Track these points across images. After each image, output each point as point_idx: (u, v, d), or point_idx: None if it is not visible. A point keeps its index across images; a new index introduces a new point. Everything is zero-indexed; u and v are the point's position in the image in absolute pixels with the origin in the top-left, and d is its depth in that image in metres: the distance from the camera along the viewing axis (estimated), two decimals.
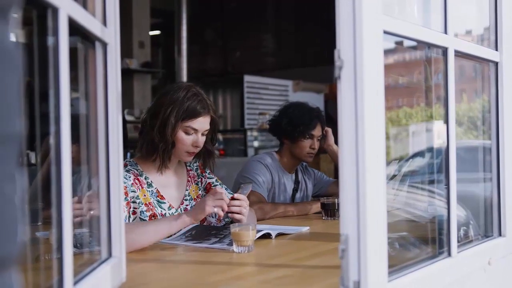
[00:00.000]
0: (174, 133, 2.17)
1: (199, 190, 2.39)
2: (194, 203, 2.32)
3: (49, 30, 1.02)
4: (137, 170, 2.22)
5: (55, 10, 1.01)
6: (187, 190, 2.35)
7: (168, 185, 2.29)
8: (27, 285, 1.08)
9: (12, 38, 0.60)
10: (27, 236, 0.63)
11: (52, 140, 1.02)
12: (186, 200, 2.32)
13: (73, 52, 1.10)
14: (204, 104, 2.22)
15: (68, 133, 1.03)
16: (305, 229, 2.35)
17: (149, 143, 2.20)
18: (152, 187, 2.22)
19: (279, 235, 2.17)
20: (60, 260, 1.02)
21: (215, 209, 2.01)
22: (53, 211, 1.02)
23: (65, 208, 1.03)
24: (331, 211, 2.65)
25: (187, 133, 2.19)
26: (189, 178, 2.38)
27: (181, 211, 2.27)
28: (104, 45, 1.36)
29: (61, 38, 1.02)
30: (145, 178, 2.23)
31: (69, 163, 1.04)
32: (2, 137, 0.56)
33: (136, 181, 2.18)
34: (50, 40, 1.03)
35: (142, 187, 2.19)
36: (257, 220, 2.66)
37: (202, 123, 2.21)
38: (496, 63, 1.82)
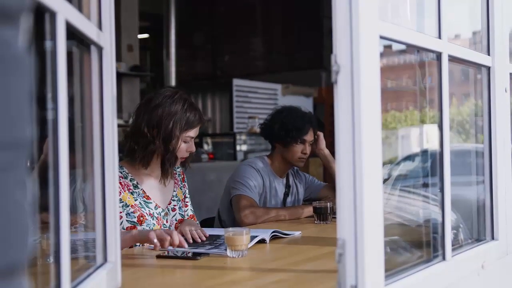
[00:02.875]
0: (178, 146, 2.27)
1: (182, 194, 2.48)
2: (181, 203, 2.43)
3: (46, 34, 1.02)
4: (121, 173, 2.26)
5: (52, 14, 1.01)
6: (174, 191, 2.43)
7: (155, 187, 2.35)
8: None
9: (22, 43, 0.59)
10: (34, 243, 0.63)
11: (49, 144, 1.01)
12: (174, 200, 2.41)
13: (67, 56, 1.09)
14: (200, 113, 2.35)
15: (65, 137, 1.03)
16: (297, 233, 2.35)
17: (150, 154, 2.26)
18: (139, 188, 2.29)
19: (274, 238, 2.18)
20: (58, 265, 1.01)
21: (155, 240, 1.90)
22: (51, 216, 1.02)
23: (62, 213, 1.02)
24: (323, 215, 2.65)
25: (185, 142, 2.30)
26: (176, 181, 2.47)
27: (168, 210, 2.36)
28: (100, 49, 1.35)
29: (59, 42, 1.02)
30: (130, 180, 2.28)
31: (66, 167, 1.03)
32: (13, 143, 0.55)
33: (118, 184, 2.18)
34: (48, 44, 1.02)
35: (125, 190, 2.24)
36: (249, 225, 2.66)
37: (197, 130, 2.34)
38: (488, 68, 1.84)
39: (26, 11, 0.60)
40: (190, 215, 2.45)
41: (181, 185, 2.49)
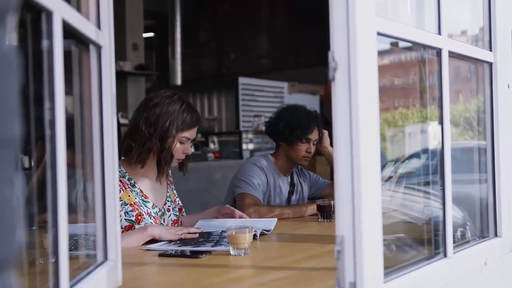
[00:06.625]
0: (174, 145, 2.30)
1: (174, 196, 2.53)
2: (173, 205, 2.48)
3: (43, 33, 1.02)
4: (120, 172, 2.29)
5: (49, 14, 1.01)
6: (167, 192, 2.48)
7: (151, 187, 2.39)
8: None
9: (9, 42, 0.59)
10: (24, 240, 0.63)
11: (47, 144, 1.02)
12: (168, 201, 2.46)
13: (66, 55, 1.10)
14: (198, 115, 2.39)
15: (63, 136, 1.03)
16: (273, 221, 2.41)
17: (146, 152, 2.29)
18: (136, 187, 2.33)
19: (263, 235, 2.22)
20: (56, 263, 1.02)
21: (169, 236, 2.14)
22: (49, 215, 1.02)
23: (60, 212, 1.02)
24: (327, 213, 2.65)
25: (181, 142, 2.33)
26: (168, 182, 2.52)
27: (164, 210, 2.41)
28: (99, 48, 1.36)
29: (56, 41, 1.02)
30: (128, 180, 2.32)
31: (64, 167, 1.03)
32: (1, 141, 0.56)
33: (119, 182, 2.23)
34: (44, 43, 1.03)
35: (126, 188, 2.29)
36: None
37: (195, 132, 2.38)
38: (491, 64, 1.83)
39: (13, 11, 0.60)
40: (175, 219, 2.47)
41: (172, 187, 2.54)
